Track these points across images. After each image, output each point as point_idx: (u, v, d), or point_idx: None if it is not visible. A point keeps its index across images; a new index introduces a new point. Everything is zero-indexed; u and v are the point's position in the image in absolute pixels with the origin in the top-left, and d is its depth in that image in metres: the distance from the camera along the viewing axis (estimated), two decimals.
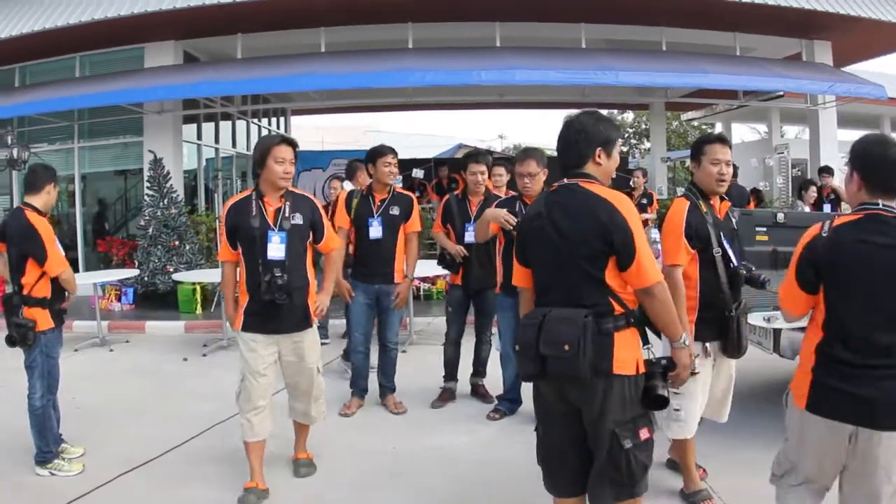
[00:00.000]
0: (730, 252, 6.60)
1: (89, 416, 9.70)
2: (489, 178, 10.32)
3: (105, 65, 20.86)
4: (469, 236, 9.98)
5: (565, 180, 5.12)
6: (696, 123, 48.12)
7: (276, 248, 7.14)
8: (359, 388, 9.97)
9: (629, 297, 4.94)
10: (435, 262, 10.62)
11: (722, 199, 6.85)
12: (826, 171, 18.78)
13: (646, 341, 5.12)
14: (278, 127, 28.61)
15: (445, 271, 10.45)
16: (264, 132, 27.78)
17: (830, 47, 21.80)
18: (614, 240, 4.76)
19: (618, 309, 4.89)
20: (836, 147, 22.40)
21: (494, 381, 10.19)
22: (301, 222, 7.31)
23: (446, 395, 10.27)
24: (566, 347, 4.67)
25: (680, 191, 32.68)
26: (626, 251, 4.77)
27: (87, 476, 7.71)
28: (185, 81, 18.31)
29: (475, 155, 10.41)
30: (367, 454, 8.39)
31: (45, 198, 8.02)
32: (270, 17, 18.97)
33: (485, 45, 19.90)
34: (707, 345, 6.66)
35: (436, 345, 10.72)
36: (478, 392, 10.49)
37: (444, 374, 10.42)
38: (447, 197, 10.62)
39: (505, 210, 9.00)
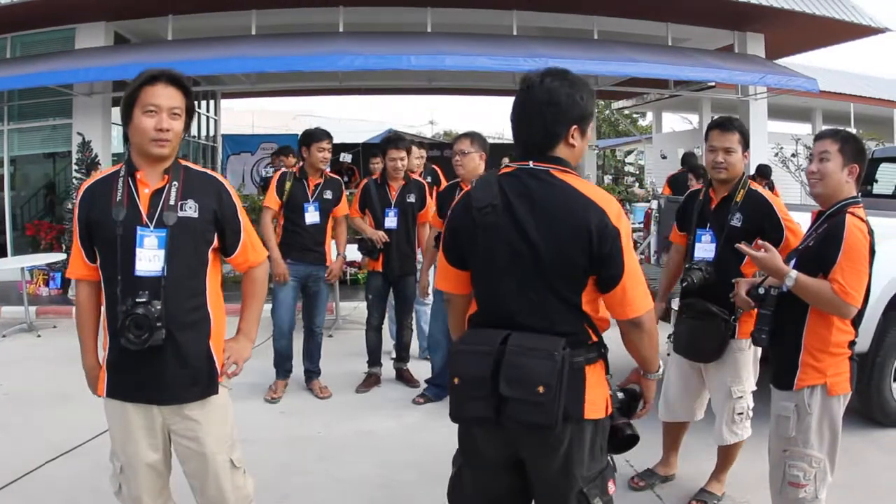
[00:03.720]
0: (697, 246, 6.53)
1: (17, 403, 9.66)
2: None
3: (36, 45, 20.53)
4: (389, 222, 9.99)
5: (530, 164, 3.91)
6: (626, 112, 48.32)
7: (148, 257, 4.44)
8: (283, 370, 9.91)
9: (602, 321, 3.97)
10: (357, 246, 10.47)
11: (742, 188, 6.42)
12: (764, 174, 18.97)
13: (607, 370, 4.03)
14: (208, 110, 28.36)
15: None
16: (194, 116, 26.97)
17: (763, 40, 21.99)
18: (600, 255, 3.73)
19: (593, 337, 3.92)
20: (765, 138, 22.67)
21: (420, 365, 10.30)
22: (196, 215, 4.57)
23: (371, 380, 10.27)
24: (540, 389, 3.59)
25: (608, 179, 32.90)
26: (611, 271, 3.76)
27: (15, 463, 7.56)
28: (116, 63, 17.97)
29: (395, 140, 10.29)
30: (292, 439, 8.39)
31: None
32: None
33: (416, 30, 19.89)
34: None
35: (362, 329, 10.62)
36: (402, 377, 10.53)
37: (367, 359, 10.39)
38: (365, 181, 10.53)
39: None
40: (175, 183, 4.56)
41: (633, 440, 4.07)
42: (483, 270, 4.04)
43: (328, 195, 9.79)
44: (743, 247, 5.37)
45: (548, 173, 3.86)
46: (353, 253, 11.31)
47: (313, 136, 9.74)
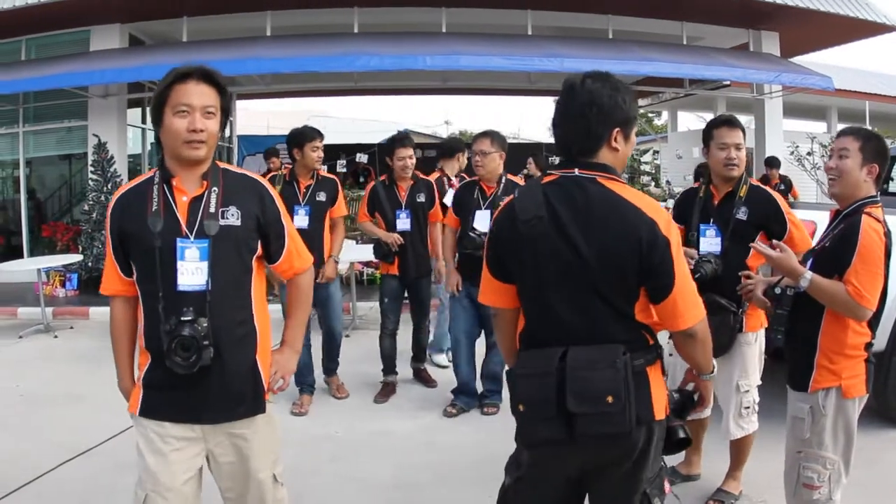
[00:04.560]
0: (702, 240, 6.49)
1: (33, 403, 9.62)
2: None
3: (51, 48, 20.54)
4: (402, 223, 9.78)
5: (576, 171, 3.79)
6: (642, 111, 48.17)
7: (190, 270, 4.13)
8: (307, 384, 9.60)
9: (657, 325, 3.89)
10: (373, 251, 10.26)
11: (745, 184, 6.44)
12: (772, 164, 18.90)
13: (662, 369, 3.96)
14: None
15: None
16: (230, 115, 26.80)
17: (778, 38, 21.93)
18: (651, 266, 3.66)
19: (650, 340, 3.85)
20: (781, 136, 22.62)
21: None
22: (238, 222, 4.25)
23: (388, 389, 10.04)
24: (609, 399, 3.54)
25: (623, 178, 34.07)
26: (662, 282, 3.69)
27: (30, 464, 7.56)
28: (131, 65, 18.04)
29: (401, 139, 10.02)
30: (308, 440, 8.35)
31: None
32: None
33: (430, 30, 19.87)
34: None
35: (378, 331, 10.36)
36: (420, 376, 10.45)
37: (382, 367, 10.16)
38: (372, 184, 10.25)
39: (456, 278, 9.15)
40: (215, 188, 4.23)
41: (685, 442, 4.04)
42: (531, 284, 3.91)
43: (321, 197, 9.35)
44: (759, 246, 5.33)
45: (594, 181, 3.74)
46: (369, 253, 11.18)
47: (306, 136, 9.25)
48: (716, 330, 6.16)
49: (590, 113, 3.73)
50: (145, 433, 4.27)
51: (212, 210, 4.17)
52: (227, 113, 4.31)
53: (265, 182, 4.52)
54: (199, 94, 4.10)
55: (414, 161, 9.90)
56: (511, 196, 4.05)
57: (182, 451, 4.25)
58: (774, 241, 5.32)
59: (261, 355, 4.40)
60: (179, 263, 4.09)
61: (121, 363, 4.53)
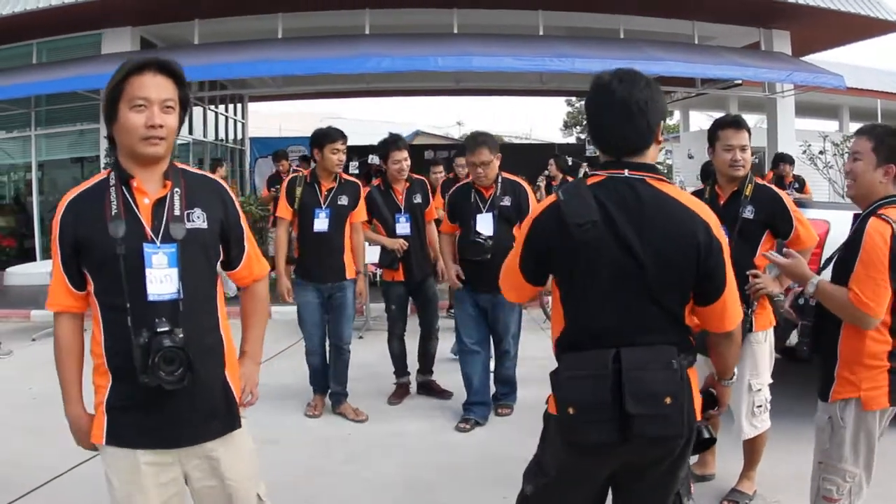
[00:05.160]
0: None
1: (46, 405, 9.50)
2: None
3: (62, 51, 20.70)
4: (402, 228, 9.63)
5: (626, 172, 3.70)
6: None
7: (159, 277, 3.79)
8: (320, 386, 9.32)
9: (696, 326, 3.89)
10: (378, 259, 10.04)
11: (750, 183, 6.39)
12: (786, 160, 18.86)
13: None
14: (235, 113, 28.67)
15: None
16: (222, 119, 27.59)
17: (789, 37, 21.98)
18: (706, 269, 3.65)
19: (692, 343, 3.83)
20: (793, 135, 22.68)
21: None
22: (205, 225, 3.96)
23: (402, 391, 9.90)
24: (668, 401, 3.50)
25: None
26: (715, 285, 3.69)
27: (45, 465, 7.54)
28: None
29: (394, 141, 9.78)
30: (321, 440, 8.32)
31: None
32: (227, 2, 19.00)
33: (442, 31, 19.92)
34: None
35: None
36: (430, 388, 10.09)
37: (394, 370, 10.00)
38: (367, 190, 9.95)
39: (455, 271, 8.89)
40: (177, 189, 3.89)
41: (710, 442, 4.00)
42: (581, 287, 3.77)
43: (343, 201, 8.98)
44: (771, 256, 5.30)
45: (643, 182, 3.67)
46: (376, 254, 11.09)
47: (327, 137, 8.88)
48: None
49: (640, 112, 3.65)
50: (115, 464, 3.95)
51: (176, 212, 3.85)
52: (185, 106, 3.97)
53: (223, 182, 4.26)
54: (157, 87, 3.74)
55: (409, 163, 9.73)
56: (551, 197, 3.91)
57: (157, 476, 3.93)
58: (786, 249, 5.22)
59: (229, 369, 4.11)
60: (147, 271, 3.75)
61: (70, 387, 4.14)
